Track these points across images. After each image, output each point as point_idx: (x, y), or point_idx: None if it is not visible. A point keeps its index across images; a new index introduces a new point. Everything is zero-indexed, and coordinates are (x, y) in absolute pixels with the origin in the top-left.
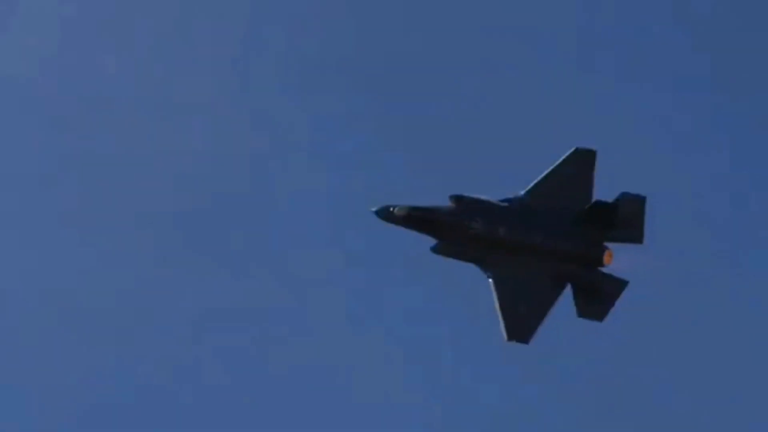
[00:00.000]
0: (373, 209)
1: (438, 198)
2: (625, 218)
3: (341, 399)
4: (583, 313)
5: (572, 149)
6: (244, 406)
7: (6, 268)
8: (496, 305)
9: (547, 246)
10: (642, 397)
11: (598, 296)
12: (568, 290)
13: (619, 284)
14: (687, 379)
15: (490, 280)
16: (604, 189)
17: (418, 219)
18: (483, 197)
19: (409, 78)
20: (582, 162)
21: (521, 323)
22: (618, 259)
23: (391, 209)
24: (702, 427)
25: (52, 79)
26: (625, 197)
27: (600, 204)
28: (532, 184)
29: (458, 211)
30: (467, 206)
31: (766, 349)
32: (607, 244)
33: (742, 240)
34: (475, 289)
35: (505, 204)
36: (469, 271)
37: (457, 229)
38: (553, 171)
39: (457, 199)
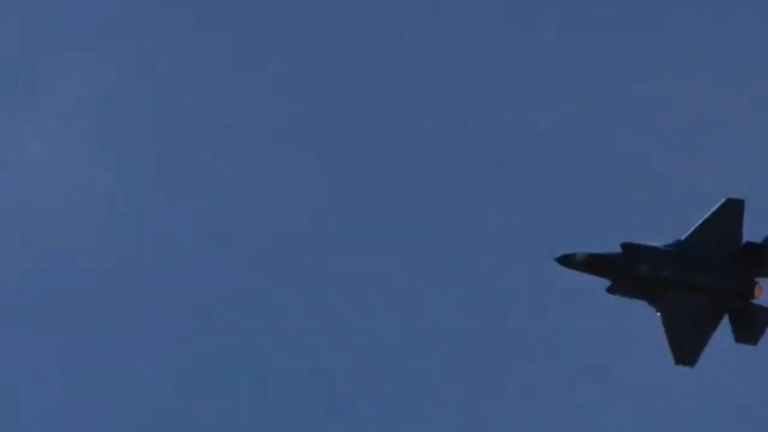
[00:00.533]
0: (555, 257)
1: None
2: None
3: None
4: (739, 338)
5: (724, 199)
6: None
7: None
8: (664, 335)
9: (706, 283)
10: None
11: (752, 324)
12: (725, 320)
13: None
14: None
15: (658, 314)
16: (752, 231)
17: (594, 264)
18: (649, 243)
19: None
20: (732, 209)
21: (686, 349)
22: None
23: (572, 257)
24: None
25: None
26: None
27: (750, 245)
28: (690, 230)
29: (628, 256)
30: (635, 251)
31: None
32: (757, 279)
33: None
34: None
35: (668, 248)
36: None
37: (628, 271)
38: (708, 218)
39: (627, 245)
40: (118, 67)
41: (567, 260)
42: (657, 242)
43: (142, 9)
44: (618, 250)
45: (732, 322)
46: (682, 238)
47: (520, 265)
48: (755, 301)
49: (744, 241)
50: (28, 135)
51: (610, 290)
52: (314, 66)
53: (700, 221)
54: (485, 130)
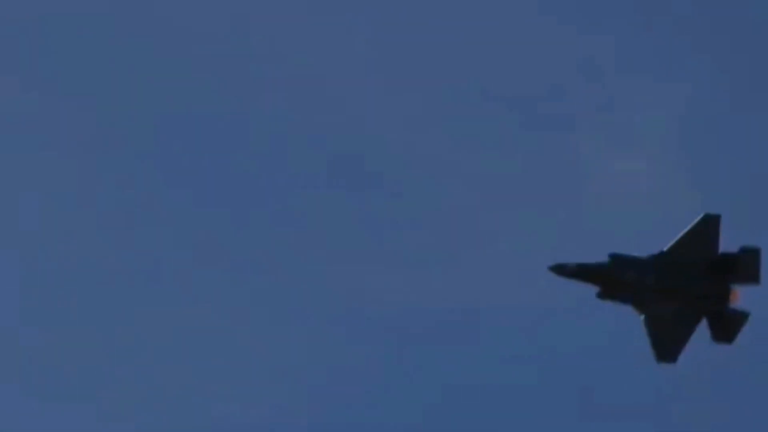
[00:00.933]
0: (549, 266)
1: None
2: (745, 265)
3: None
4: (716, 338)
5: (701, 215)
6: None
7: None
8: (647, 336)
9: (686, 289)
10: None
11: (727, 325)
12: (703, 322)
13: (743, 316)
14: None
15: (642, 317)
16: (727, 243)
17: (585, 273)
18: (635, 254)
19: None
20: (710, 224)
21: (668, 349)
22: (742, 296)
23: (565, 266)
24: None
25: None
26: (744, 249)
27: (726, 255)
28: (671, 243)
29: (615, 265)
30: (622, 261)
31: None
32: (732, 285)
33: None
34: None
35: (652, 258)
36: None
37: (615, 279)
38: (687, 232)
39: (614, 256)
40: None
41: (561, 269)
42: (642, 254)
43: None
44: (606, 260)
45: (709, 324)
46: (665, 249)
47: None
48: (731, 306)
49: (720, 251)
50: None
51: (599, 296)
52: None
53: (680, 235)
54: None
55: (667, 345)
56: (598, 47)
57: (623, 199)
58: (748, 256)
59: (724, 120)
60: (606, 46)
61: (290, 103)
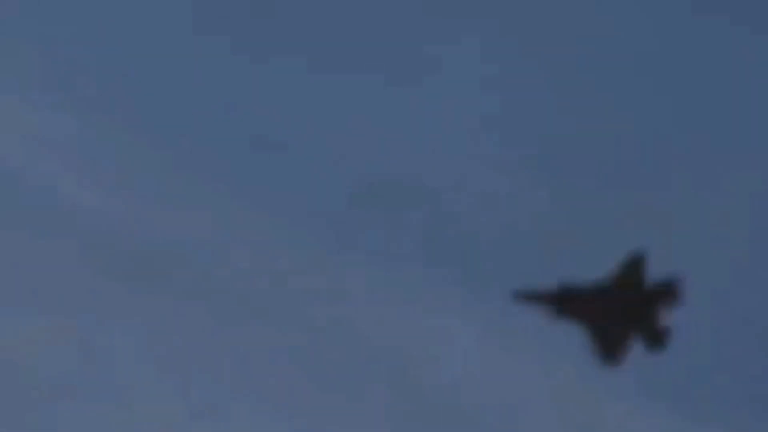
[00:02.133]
0: (510, 291)
1: None
2: (668, 293)
3: None
4: (649, 350)
5: (628, 253)
6: None
7: None
8: (592, 348)
9: (619, 312)
10: None
11: (657, 339)
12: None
13: (669, 331)
14: None
15: (587, 333)
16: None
17: (538, 298)
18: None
19: None
20: (636, 259)
21: (610, 359)
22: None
23: (521, 293)
24: None
25: None
26: (666, 280)
27: (652, 286)
28: (604, 275)
29: (562, 292)
30: (567, 288)
31: None
32: (659, 308)
33: None
34: None
35: (592, 286)
36: None
37: (563, 302)
38: (617, 266)
39: (561, 284)
40: None
41: (518, 295)
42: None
43: None
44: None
45: (643, 338)
46: (600, 280)
47: None
48: (660, 324)
49: (646, 283)
50: None
51: (551, 316)
52: None
53: (612, 269)
54: None
55: (608, 355)
56: None
57: None
58: (671, 286)
59: None
60: None
61: None
